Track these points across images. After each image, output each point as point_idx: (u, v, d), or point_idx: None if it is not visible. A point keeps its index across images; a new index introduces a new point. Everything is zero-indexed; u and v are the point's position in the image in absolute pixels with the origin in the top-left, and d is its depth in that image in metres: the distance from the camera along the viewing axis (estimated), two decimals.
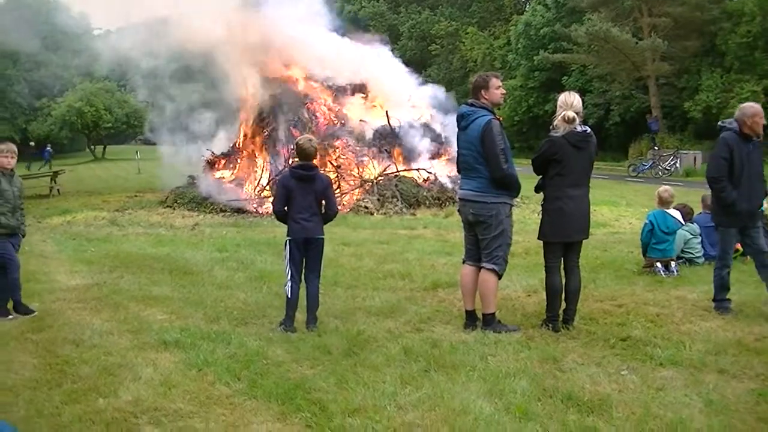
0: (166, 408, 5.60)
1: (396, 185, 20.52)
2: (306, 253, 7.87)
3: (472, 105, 7.54)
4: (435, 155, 22.90)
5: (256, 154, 23.17)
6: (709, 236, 11.13)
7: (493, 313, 7.61)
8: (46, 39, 49.49)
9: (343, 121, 23.18)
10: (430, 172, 21.66)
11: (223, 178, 23.27)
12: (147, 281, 10.56)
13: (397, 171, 21.35)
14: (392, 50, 28.94)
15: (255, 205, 20.40)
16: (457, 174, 8.28)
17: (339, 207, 17.25)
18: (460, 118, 7.59)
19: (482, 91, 7.53)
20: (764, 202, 8.69)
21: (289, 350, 7.04)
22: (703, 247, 11.14)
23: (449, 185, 21.02)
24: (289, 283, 7.81)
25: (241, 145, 24.21)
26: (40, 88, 67.27)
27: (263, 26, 22.94)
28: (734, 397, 5.63)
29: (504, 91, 7.78)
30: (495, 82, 7.56)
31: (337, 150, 21.92)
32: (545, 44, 48.78)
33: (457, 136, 7.70)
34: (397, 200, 19.91)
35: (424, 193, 20.58)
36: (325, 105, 23.65)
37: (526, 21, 52.79)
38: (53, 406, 5.68)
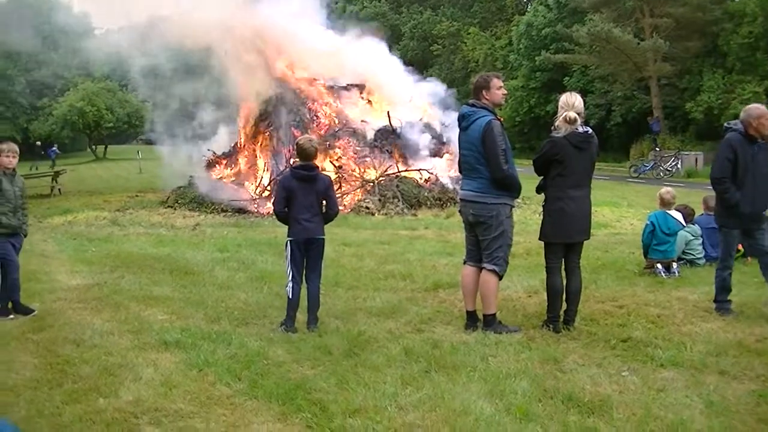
0: (167, 408, 5.60)
1: (397, 186, 20.52)
2: (307, 254, 7.87)
3: (473, 105, 7.54)
4: (436, 153, 22.89)
5: (257, 154, 23.17)
6: (710, 237, 11.13)
7: (494, 314, 7.61)
8: (47, 39, 49.57)
9: (344, 121, 23.17)
10: (432, 173, 21.66)
11: (224, 178, 23.28)
12: (148, 281, 10.56)
13: (399, 171, 21.34)
14: (393, 50, 28.93)
15: (256, 205, 20.38)
16: (459, 174, 8.28)
17: (340, 207, 17.37)
18: (461, 119, 7.59)
19: (483, 92, 7.53)
20: None
21: (290, 350, 7.04)
22: (704, 248, 11.14)
23: (450, 186, 21.01)
24: (291, 284, 7.81)
25: (242, 145, 24.20)
26: (41, 88, 67.41)
27: (262, 24, 22.96)
28: (735, 399, 5.63)
29: (505, 92, 7.77)
30: (496, 82, 7.56)
31: (339, 150, 21.93)
32: (547, 45, 48.77)
33: (458, 136, 7.70)
34: (399, 201, 19.90)
35: (426, 194, 20.57)
36: (326, 105, 23.64)
37: (527, 21, 52.78)
38: (54, 406, 5.69)
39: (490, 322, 7.57)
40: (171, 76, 26.19)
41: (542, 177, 7.72)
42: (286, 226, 7.94)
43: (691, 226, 11.08)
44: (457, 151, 7.92)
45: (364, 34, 26.30)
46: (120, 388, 6.04)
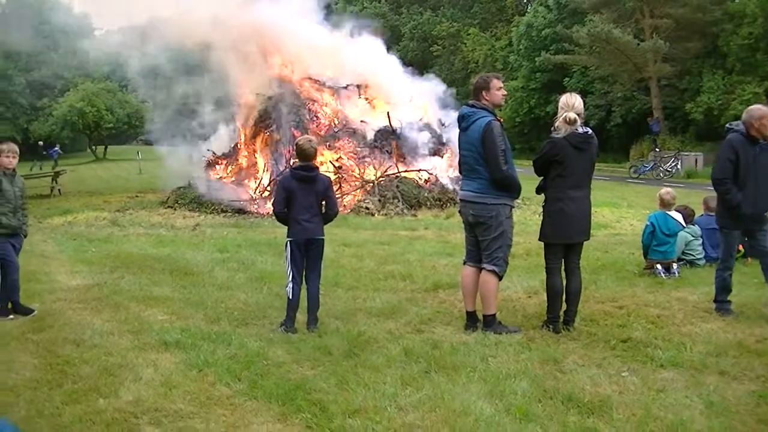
0: (167, 408, 5.60)
1: (397, 186, 20.52)
2: (307, 254, 7.87)
3: (472, 106, 7.54)
4: (435, 153, 22.90)
5: (257, 155, 23.17)
6: (710, 238, 11.14)
7: (494, 315, 7.61)
8: (48, 38, 49.60)
9: (344, 122, 23.17)
10: (431, 173, 21.66)
11: (224, 178, 23.28)
12: (148, 282, 10.56)
13: (398, 172, 21.34)
14: (393, 51, 28.91)
15: (256, 206, 20.39)
16: (459, 175, 8.29)
17: (340, 208, 17.37)
18: (461, 119, 7.60)
19: (483, 92, 7.53)
20: None
21: (290, 351, 7.04)
22: (704, 248, 11.14)
23: (450, 186, 21.01)
24: (291, 285, 7.81)
25: (242, 146, 24.20)
26: (41, 88, 67.38)
27: (262, 23, 22.97)
28: (735, 399, 5.64)
29: (505, 92, 7.78)
30: (496, 83, 7.57)
31: (339, 151, 21.94)
32: (547, 45, 48.76)
33: (458, 137, 7.71)
34: (398, 201, 19.90)
35: (426, 194, 20.57)
36: (326, 105, 23.64)
37: (527, 22, 52.75)
38: (54, 407, 5.69)
39: (490, 322, 7.58)
40: (171, 77, 26.20)
41: (542, 177, 7.73)
42: (286, 227, 7.95)
43: (691, 226, 11.08)
44: (457, 151, 7.92)
45: (362, 29, 26.28)
46: (120, 388, 6.04)
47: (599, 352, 6.87)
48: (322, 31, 24.57)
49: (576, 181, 7.46)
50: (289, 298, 7.83)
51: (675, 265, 10.41)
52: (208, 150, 24.93)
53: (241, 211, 20.05)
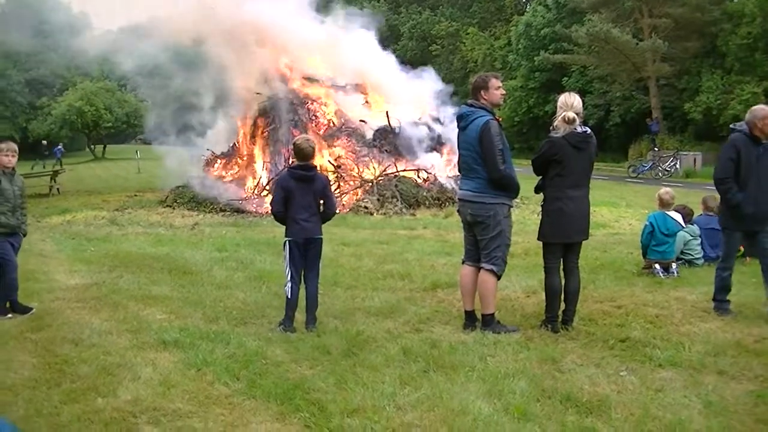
0: (165, 408, 5.60)
1: (396, 185, 20.52)
2: (305, 254, 7.87)
3: (471, 105, 7.54)
4: (434, 149, 22.89)
5: (256, 154, 23.18)
6: (709, 238, 11.14)
7: (493, 314, 7.62)
8: (48, 39, 49.57)
9: (343, 121, 23.18)
10: (430, 172, 21.67)
11: (223, 177, 23.28)
12: (146, 281, 10.56)
13: (397, 171, 21.34)
14: (392, 50, 28.88)
15: (255, 205, 20.39)
16: (457, 174, 8.30)
17: (338, 207, 17.38)
18: (460, 119, 7.60)
19: (482, 92, 7.53)
20: None
21: (288, 350, 7.04)
22: (702, 248, 11.13)
23: (449, 185, 21.02)
24: (289, 284, 7.81)
25: (240, 145, 24.21)
26: (40, 87, 67.34)
27: (261, 22, 22.98)
28: (733, 399, 5.64)
29: (504, 92, 7.78)
30: (495, 82, 7.57)
31: (337, 150, 21.94)
32: (546, 45, 48.75)
33: (457, 136, 7.71)
34: (397, 200, 19.91)
35: (424, 194, 20.58)
36: (325, 105, 23.64)
37: (526, 21, 52.74)
38: (52, 406, 5.69)
39: (489, 321, 7.58)
40: (169, 75, 26.21)
41: (541, 177, 7.73)
42: (284, 226, 7.94)
43: (690, 226, 11.07)
44: (456, 150, 7.93)
45: (359, 23, 26.27)
46: (118, 387, 6.04)
47: (598, 352, 6.87)
48: (320, 28, 24.57)
49: (575, 180, 7.46)
50: (287, 297, 7.83)
51: (674, 265, 10.40)
52: (207, 149, 24.94)
53: (239, 211, 20.07)
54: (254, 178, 22.46)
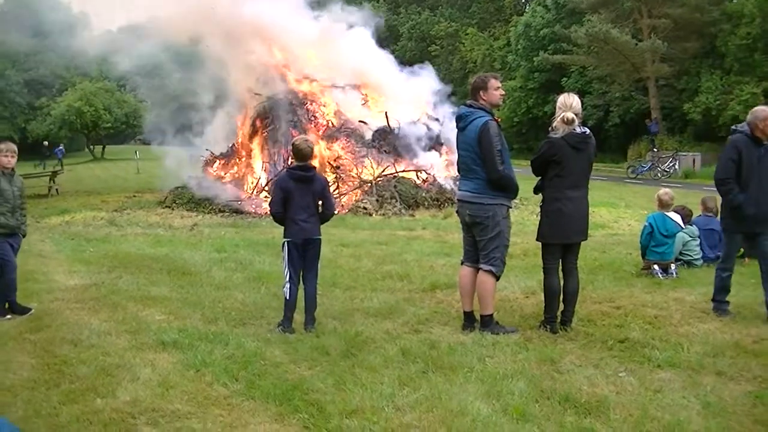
0: (164, 408, 5.60)
1: (395, 186, 20.53)
2: (304, 254, 7.87)
3: (470, 106, 7.54)
4: (431, 147, 22.89)
5: (255, 155, 23.18)
6: (708, 238, 11.15)
7: (491, 315, 7.62)
8: (47, 39, 49.56)
9: (342, 121, 23.18)
10: (429, 173, 21.67)
11: (222, 178, 23.28)
12: (145, 281, 10.56)
13: (396, 172, 21.34)
14: (391, 51, 28.85)
15: (254, 206, 20.40)
16: (456, 175, 8.30)
17: (338, 208, 17.39)
18: (459, 119, 7.60)
19: (481, 92, 7.53)
20: None
21: (287, 351, 7.04)
22: (701, 249, 11.14)
23: (448, 186, 21.02)
24: (288, 285, 7.81)
25: (239, 146, 24.21)
26: (39, 88, 67.30)
27: (259, 21, 22.98)
28: (732, 400, 5.64)
29: (503, 92, 7.79)
30: (494, 83, 7.57)
31: (336, 151, 21.94)
32: (545, 45, 48.77)
33: (456, 137, 7.71)
34: (396, 201, 19.92)
35: (423, 194, 20.59)
36: (324, 105, 23.64)
37: (525, 22, 52.75)
38: (51, 407, 5.69)
39: (488, 322, 7.58)
40: (168, 76, 26.23)
41: (540, 177, 7.73)
42: (283, 227, 7.94)
43: (689, 227, 11.08)
44: (455, 150, 7.93)
45: (357, 19, 26.26)
46: (117, 388, 6.04)
47: (596, 353, 6.87)
48: (318, 27, 24.55)
49: (574, 181, 7.46)
50: (286, 298, 7.84)
51: (673, 266, 10.40)
52: (206, 149, 24.94)
53: (238, 211, 20.08)
54: (253, 178, 22.46)
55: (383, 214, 19.12)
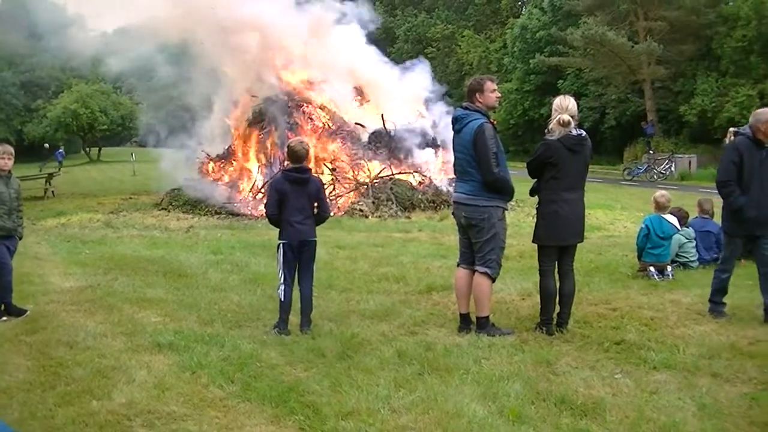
0: (160, 410, 5.60)
1: (391, 188, 20.53)
2: (300, 256, 7.87)
3: (466, 108, 7.54)
4: (427, 144, 22.90)
5: (251, 157, 23.16)
6: (704, 240, 11.16)
7: (487, 317, 7.61)
8: (42, 41, 49.54)
9: (338, 124, 23.18)
10: (425, 175, 21.68)
11: (218, 180, 23.26)
12: (141, 283, 10.54)
13: (392, 174, 21.34)
14: (388, 53, 28.84)
15: (250, 208, 20.39)
16: (453, 176, 8.29)
17: (334, 210, 17.38)
18: (455, 122, 7.60)
19: (477, 95, 7.53)
20: None
21: (283, 353, 7.04)
22: (697, 251, 11.14)
23: (444, 188, 21.03)
24: (282, 286, 7.81)
25: (235, 148, 24.19)
26: (35, 90, 67.24)
27: (255, 24, 22.99)
28: (727, 401, 5.65)
29: (499, 95, 7.79)
30: (490, 85, 7.57)
31: (333, 152, 21.95)
32: (541, 48, 48.88)
33: (452, 139, 7.71)
34: (392, 203, 19.91)
35: (419, 196, 20.60)
36: (320, 107, 23.63)
37: (522, 24, 52.86)
38: (47, 409, 5.68)
39: (484, 324, 7.58)
40: (164, 78, 26.21)
41: (536, 180, 7.73)
42: (278, 229, 7.94)
43: (685, 228, 11.08)
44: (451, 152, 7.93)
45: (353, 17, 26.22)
46: (113, 390, 6.03)
47: (592, 354, 6.88)
48: (312, 20, 24.54)
49: (570, 183, 7.46)
50: (281, 300, 7.83)
51: (669, 268, 10.41)
52: (202, 151, 24.92)
53: (234, 213, 20.06)
54: (249, 180, 22.44)
55: (379, 216, 19.11)
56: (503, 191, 7.44)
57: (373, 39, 27.19)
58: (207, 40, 23.42)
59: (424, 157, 22.52)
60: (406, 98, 24.45)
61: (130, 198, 26.58)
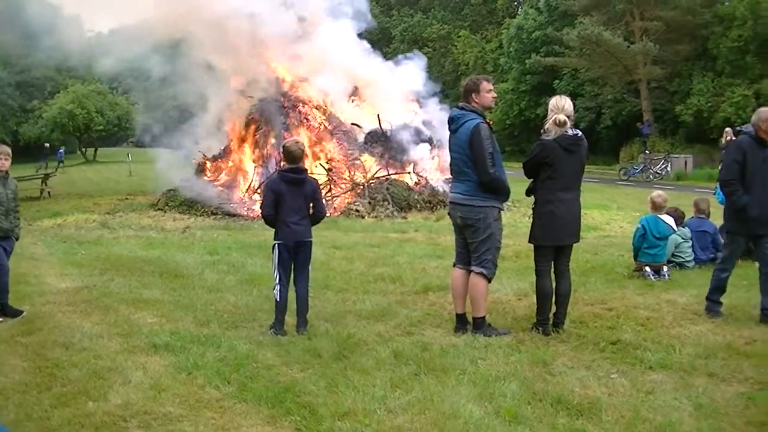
0: (156, 411, 5.59)
1: (387, 188, 20.52)
2: (295, 257, 7.86)
3: (462, 108, 7.55)
4: (423, 140, 22.89)
5: (247, 157, 23.14)
6: (700, 240, 11.17)
7: (484, 317, 7.62)
8: (38, 41, 49.44)
9: (335, 124, 23.17)
10: (421, 176, 21.67)
11: (214, 180, 23.24)
12: (137, 284, 10.53)
13: (389, 174, 21.34)
14: (384, 54, 28.82)
15: (246, 209, 20.37)
16: (449, 176, 8.30)
17: (330, 210, 17.37)
18: (451, 122, 7.61)
19: (473, 95, 7.54)
20: None
21: (279, 353, 7.03)
22: (693, 251, 11.15)
23: (440, 188, 21.02)
24: (278, 287, 7.81)
25: (231, 148, 24.17)
26: (31, 90, 67.16)
27: (251, 23, 22.97)
28: (723, 401, 5.65)
29: (495, 95, 7.78)
30: (486, 85, 7.57)
31: (329, 152, 21.94)
32: (537, 48, 48.91)
33: (449, 139, 7.72)
34: (389, 203, 19.89)
35: (415, 197, 20.59)
36: (316, 108, 23.62)
37: (518, 24, 52.88)
38: (43, 410, 5.67)
39: (480, 324, 7.58)
40: (160, 78, 26.17)
41: (532, 180, 7.74)
42: (274, 229, 7.93)
43: (681, 228, 11.09)
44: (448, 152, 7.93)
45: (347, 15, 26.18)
46: (109, 391, 6.03)
47: (588, 354, 6.88)
48: (311, 27, 24.53)
49: (566, 183, 7.47)
50: (276, 300, 7.83)
51: (665, 268, 10.41)
52: (199, 151, 24.90)
53: (231, 214, 20.03)
54: (245, 181, 22.42)
55: (375, 217, 19.10)
56: (499, 191, 7.44)
57: (370, 39, 27.11)
58: (201, 38, 23.37)
59: (420, 156, 22.48)
60: (401, 95, 24.40)
61: (126, 198, 26.54)
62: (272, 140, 22.04)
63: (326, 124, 23.03)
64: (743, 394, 5.79)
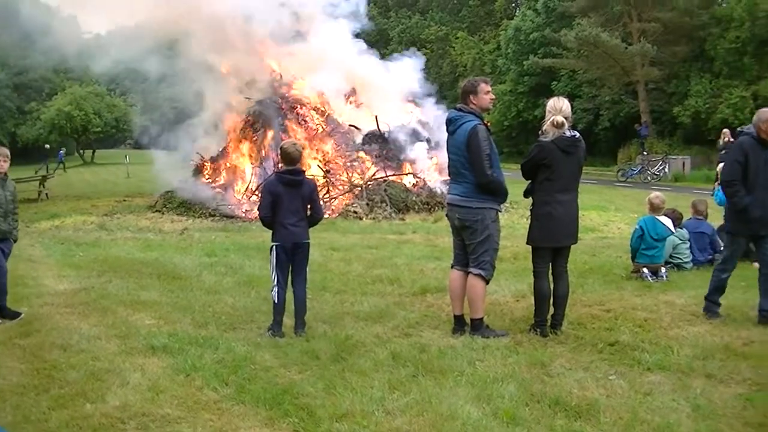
0: (154, 413, 5.59)
1: (385, 190, 20.53)
2: (293, 258, 7.86)
3: (460, 110, 7.54)
4: (419, 139, 22.90)
5: (245, 159, 23.14)
6: (698, 241, 11.18)
7: (482, 318, 7.61)
8: (35, 42, 49.44)
9: (333, 125, 23.18)
10: (419, 177, 21.68)
11: (212, 182, 23.24)
12: (135, 286, 10.52)
13: (386, 176, 21.34)
14: (382, 55, 28.80)
15: (244, 210, 20.37)
16: (447, 178, 8.29)
17: (328, 212, 17.37)
18: (449, 123, 7.61)
19: (471, 96, 7.53)
20: None
21: (277, 355, 7.03)
22: (691, 252, 11.15)
23: (438, 190, 21.03)
24: (276, 289, 7.80)
25: (229, 150, 24.17)
26: (29, 92, 67.13)
27: (248, 24, 22.99)
28: (721, 402, 5.65)
29: (493, 96, 7.78)
30: (484, 87, 7.56)
31: (327, 154, 21.95)
32: (535, 49, 48.94)
33: (447, 140, 7.71)
34: (386, 205, 19.91)
35: (413, 198, 20.61)
36: (314, 109, 23.62)
37: (515, 26, 52.93)
38: (40, 412, 5.66)
39: (478, 326, 7.58)
40: (157, 80, 26.18)
41: (530, 181, 7.73)
42: (272, 231, 7.93)
43: (679, 230, 11.09)
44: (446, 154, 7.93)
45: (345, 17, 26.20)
46: (107, 393, 6.02)
47: (586, 356, 6.88)
48: (308, 27, 24.55)
49: (564, 184, 7.47)
50: (274, 302, 7.82)
51: (663, 269, 10.40)
52: (197, 153, 24.91)
53: (229, 215, 20.04)
54: (243, 182, 22.42)
55: (373, 218, 19.12)
56: (497, 193, 7.44)
57: (367, 40, 27.11)
58: (199, 38, 23.38)
59: (417, 157, 22.49)
60: (398, 96, 24.41)
61: (124, 200, 26.56)
62: (270, 141, 22.03)
63: (324, 126, 23.04)
64: (741, 396, 5.79)
